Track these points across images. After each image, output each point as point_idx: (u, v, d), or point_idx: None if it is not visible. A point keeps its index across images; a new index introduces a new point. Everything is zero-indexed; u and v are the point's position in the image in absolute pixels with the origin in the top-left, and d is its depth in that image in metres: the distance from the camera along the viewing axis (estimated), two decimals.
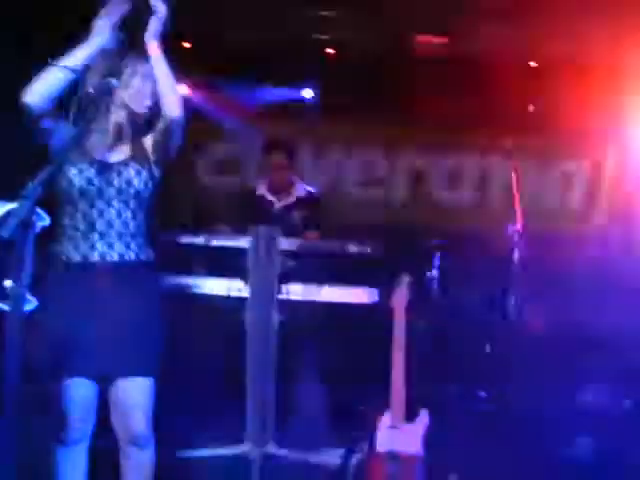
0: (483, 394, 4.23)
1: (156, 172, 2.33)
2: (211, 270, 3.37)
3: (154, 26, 2.17)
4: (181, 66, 2.33)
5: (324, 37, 5.44)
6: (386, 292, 3.29)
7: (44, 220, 1.71)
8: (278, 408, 3.36)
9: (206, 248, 3.29)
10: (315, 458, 3.40)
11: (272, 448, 3.34)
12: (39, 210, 1.69)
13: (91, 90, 2.18)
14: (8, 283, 1.74)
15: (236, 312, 3.31)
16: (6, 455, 1.63)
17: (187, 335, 2.78)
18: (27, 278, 1.68)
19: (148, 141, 2.32)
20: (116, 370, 2.20)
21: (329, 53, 5.52)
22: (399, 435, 3.04)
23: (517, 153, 4.33)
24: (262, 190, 4.10)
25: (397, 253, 3.55)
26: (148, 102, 2.28)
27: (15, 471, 1.67)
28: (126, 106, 2.26)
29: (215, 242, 3.31)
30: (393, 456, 3.00)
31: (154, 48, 2.19)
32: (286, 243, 3.30)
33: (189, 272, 3.22)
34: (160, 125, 2.26)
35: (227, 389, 3.42)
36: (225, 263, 3.37)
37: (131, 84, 2.25)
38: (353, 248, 3.30)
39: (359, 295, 3.37)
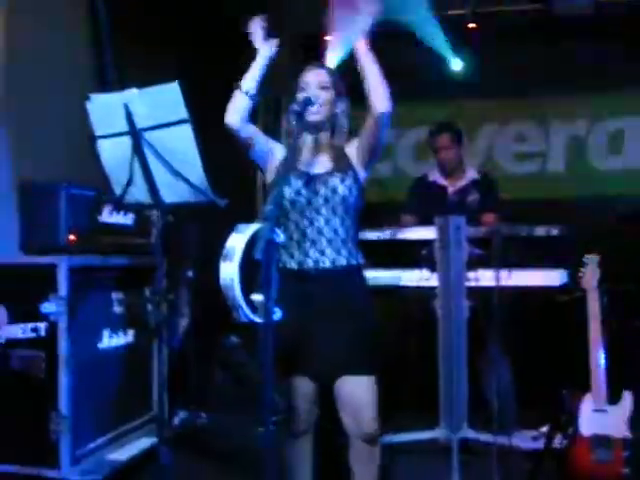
0: None
1: (361, 176, 2.41)
2: (399, 262, 3.44)
3: (363, 24, 2.25)
4: None
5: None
6: (575, 273, 3.24)
7: (280, 237, 1.85)
8: (471, 392, 3.42)
9: (392, 241, 3.38)
10: (510, 441, 3.42)
11: (467, 432, 3.41)
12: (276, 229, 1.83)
13: (296, 107, 2.31)
14: (257, 297, 1.89)
15: (426, 301, 3.39)
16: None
17: (384, 326, 2.88)
18: (274, 292, 1.83)
19: (353, 146, 2.41)
20: (340, 370, 2.33)
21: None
22: (604, 418, 3.00)
23: None
24: (434, 176, 4.11)
25: (585, 232, 3.44)
26: (327, 111, 2.39)
27: None
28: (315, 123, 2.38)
29: (401, 236, 3.40)
30: (600, 440, 2.97)
31: (362, 45, 2.25)
32: (472, 231, 3.32)
33: (378, 266, 3.30)
34: (369, 122, 2.32)
35: (421, 375, 3.52)
36: (412, 254, 3.45)
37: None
38: (541, 231, 3.27)
39: (548, 277, 3.33)
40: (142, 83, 2.11)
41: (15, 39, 3.53)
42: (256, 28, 2.34)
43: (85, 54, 4.09)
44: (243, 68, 2.33)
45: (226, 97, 2.30)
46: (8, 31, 3.52)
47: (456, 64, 5.56)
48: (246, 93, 2.29)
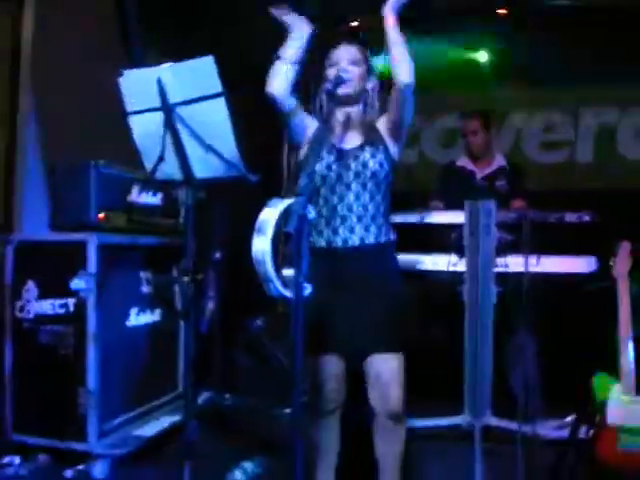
0: None
1: (393, 151, 2.40)
2: (427, 246, 3.43)
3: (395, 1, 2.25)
4: None
5: None
6: (606, 260, 3.20)
7: (311, 213, 1.85)
8: (495, 379, 3.40)
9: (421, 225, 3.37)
10: (534, 430, 3.40)
11: (490, 419, 3.40)
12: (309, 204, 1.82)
13: (326, 85, 2.31)
14: (287, 272, 1.90)
15: (453, 286, 3.38)
16: None
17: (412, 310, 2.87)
18: (305, 267, 1.82)
19: (382, 122, 2.41)
20: (369, 347, 2.34)
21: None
22: (633, 408, 2.96)
23: None
24: (462, 161, 4.09)
25: (616, 219, 3.40)
26: (358, 86, 2.40)
27: None
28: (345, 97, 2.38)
29: (428, 220, 3.38)
30: (628, 430, 2.94)
31: (391, 20, 2.26)
32: (502, 216, 3.30)
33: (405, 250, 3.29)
34: (394, 95, 2.32)
35: (446, 360, 3.51)
36: (440, 239, 3.43)
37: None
38: (572, 217, 3.23)
39: (578, 264, 3.30)
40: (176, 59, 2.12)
41: (43, 22, 3.58)
42: (281, 12, 2.35)
43: (113, 33, 4.13)
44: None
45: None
46: (36, 15, 3.57)
47: (484, 56, 5.54)
48: (286, 61, 2.29)
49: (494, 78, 5.52)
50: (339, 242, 2.34)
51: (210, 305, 3.80)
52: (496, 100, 5.55)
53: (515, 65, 5.45)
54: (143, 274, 3.46)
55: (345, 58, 2.37)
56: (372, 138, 2.38)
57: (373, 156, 2.35)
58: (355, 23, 5.38)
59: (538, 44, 5.24)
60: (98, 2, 4.06)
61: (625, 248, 3.20)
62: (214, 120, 2.03)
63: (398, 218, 3.30)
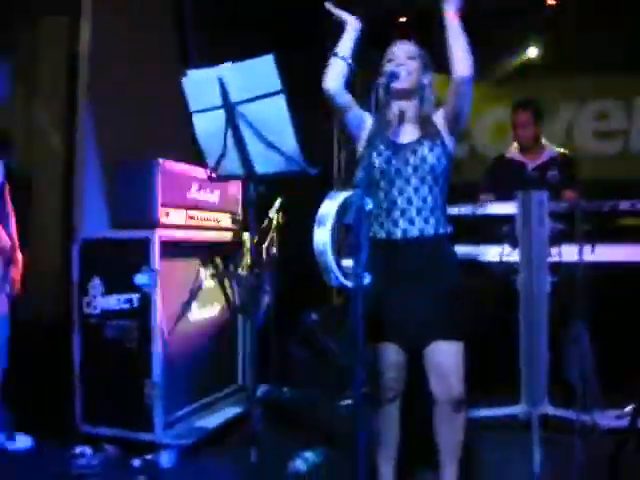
0: None
1: (450, 145, 2.44)
2: (481, 237, 3.45)
3: None
4: None
5: None
6: None
7: (369, 204, 1.91)
8: (552, 369, 3.41)
9: (473, 217, 3.40)
10: (592, 419, 3.39)
11: (547, 408, 3.40)
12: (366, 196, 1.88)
13: (383, 80, 2.36)
14: (347, 262, 1.96)
15: (508, 276, 3.40)
16: None
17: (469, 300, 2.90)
18: (365, 257, 1.89)
19: (439, 116, 2.45)
20: (430, 336, 2.37)
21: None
22: None
23: None
24: (512, 153, 4.10)
25: None
26: (415, 80, 2.44)
27: None
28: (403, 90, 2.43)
29: (481, 211, 3.41)
30: None
31: (452, 14, 2.30)
32: (555, 206, 3.30)
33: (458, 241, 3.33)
34: (452, 88, 2.35)
35: (502, 351, 3.53)
36: (492, 230, 3.45)
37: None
38: (626, 205, 3.22)
39: (634, 253, 3.28)
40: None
41: (101, 26, 3.70)
42: (332, 8, 2.44)
43: (170, 36, 4.25)
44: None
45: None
46: (94, 18, 3.69)
47: (533, 51, 5.56)
48: (342, 58, 2.38)
49: (544, 70, 5.49)
50: (399, 233, 2.39)
51: (266, 299, 3.88)
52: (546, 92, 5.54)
53: (563, 56, 5.39)
54: (203, 269, 3.57)
55: (402, 54, 2.44)
56: (429, 132, 2.43)
57: (431, 150, 2.40)
58: (403, 19, 5.43)
59: (587, 33, 5.18)
60: (156, 6, 4.18)
61: None
62: (274, 117, 2.10)
63: (452, 210, 3.37)
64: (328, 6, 2.45)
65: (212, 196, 3.68)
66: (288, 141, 2.13)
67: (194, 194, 3.54)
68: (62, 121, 3.98)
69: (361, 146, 2.49)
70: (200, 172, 3.40)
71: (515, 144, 4.13)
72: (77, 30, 3.77)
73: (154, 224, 3.24)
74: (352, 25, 2.42)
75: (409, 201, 2.39)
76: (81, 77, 3.76)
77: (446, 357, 2.38)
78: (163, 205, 3.29)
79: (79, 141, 3.77)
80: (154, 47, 4.07)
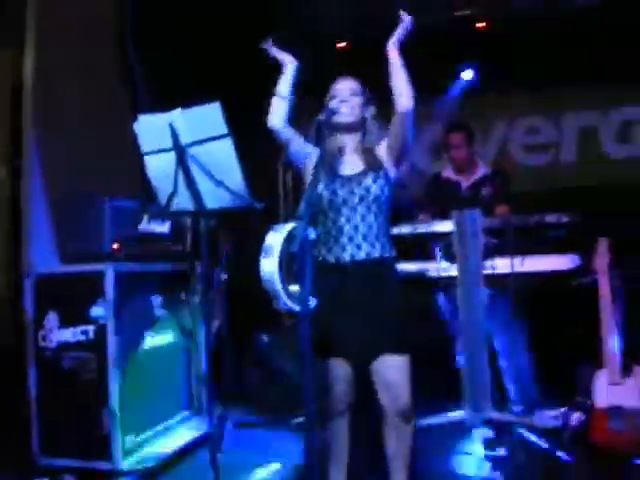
0: None
1: (392, 175, 2.62)
2: (420, 254, 3.66)
3: (399, 35, 2.50)
4: None
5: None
6: (587, 257, 3.44)
7: (312, 234, 2.07)
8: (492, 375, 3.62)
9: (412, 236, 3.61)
10: (532, 420, 3.62)
11: (490, 412, 3.61)
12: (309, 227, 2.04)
13: (322, 117, 2.54)
14: (294, 288, 2.11)
15: (447, 289, 3.61)
16: None
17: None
18: (310, 283, 2.04)
19: (381, 148, 2.63)
20: (377, 350, 2.52)
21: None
22: (620, 391, 3.19)
23: None
24: (447, 173, 4.31)
25: (594, 218, 3.63)
26: (358, 114, 2.64)
27: None
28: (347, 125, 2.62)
29: (420, 230, 3.63)
30: (616, 411, 3.16)
31: (395, 53, 2.50)
32: (487, 222, 3.54)
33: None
34: (395, 121, 2.55)
35: (444, 360, 3.74)
36: (430, 246, 3.67)
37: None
38: (552, 218, 3.46)
39: (561, 262, 3.52)
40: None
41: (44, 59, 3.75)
42: (269, 46, 2.63)
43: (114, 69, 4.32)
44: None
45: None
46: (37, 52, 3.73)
47: (467, 74, 5.80)
48: (282, 97, 2.56)
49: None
50: (347, 257, 2.56)
51: (215, 323, 3.99)
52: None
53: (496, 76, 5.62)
54: (155, 299, 3.66)
55: (345, 89, 2.64)
56: (373, 164, 2.61)
57: (374, 181, 2.58)
58: (343, 44, 5.63)
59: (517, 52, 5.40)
60: (102, 35, 4.23)
61: (603, 244, 3.45)
62: (222, 157, 2.26)
63: (393, 230, 3.57)
64: (266, 46, 2.63)
65: (162, 227, 3.78)
66: (235, 179, 2.28)
67: (145, 226, 3.63)
68: (7, 155, 3.98)
69: (307, 178, 2.63)
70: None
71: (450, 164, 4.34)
72: (20, 63, 3.78)
73: (105, 257, 3.32)
74: (290, 63, 2.61)
75: (356, 228, 2.56)
76: (25, 110, 3.77)
77: (393, 371, 2.52)
78: (114, 239, 3.37)
79: (25, 175, 3.77)
80: (102, 79, 4.11)
